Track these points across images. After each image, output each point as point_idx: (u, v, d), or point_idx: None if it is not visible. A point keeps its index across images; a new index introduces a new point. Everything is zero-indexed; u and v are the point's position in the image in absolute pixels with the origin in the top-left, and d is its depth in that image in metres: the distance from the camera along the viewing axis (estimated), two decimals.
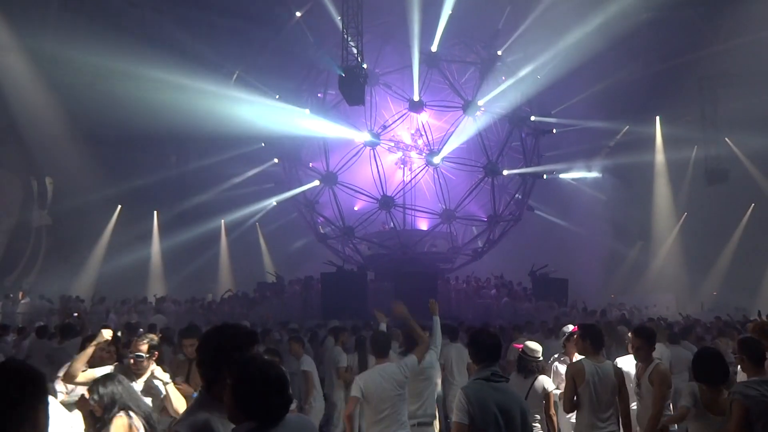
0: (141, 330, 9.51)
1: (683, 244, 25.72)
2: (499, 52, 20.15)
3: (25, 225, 21.16)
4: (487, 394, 3.45)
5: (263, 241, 26.72)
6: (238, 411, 2.27)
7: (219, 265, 25.85)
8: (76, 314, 13.13)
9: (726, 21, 19.47)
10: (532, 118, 19.96)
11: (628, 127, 25.47)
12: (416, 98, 18.34)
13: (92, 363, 4.92)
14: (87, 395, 3.82)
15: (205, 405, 2.41)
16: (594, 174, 25.18)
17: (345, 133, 18.57)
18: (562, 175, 24.17)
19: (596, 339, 4.90)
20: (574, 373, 4.77)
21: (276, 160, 20.74)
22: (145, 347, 4.69)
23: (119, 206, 23.19)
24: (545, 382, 5.48)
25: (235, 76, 21.35)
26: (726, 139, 23.78)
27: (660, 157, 25.52)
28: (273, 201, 22.26)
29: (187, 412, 2.51)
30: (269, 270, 22.96)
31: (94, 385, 3.79)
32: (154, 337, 4.94)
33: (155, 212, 24.38)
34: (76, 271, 21.22)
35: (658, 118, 25.10)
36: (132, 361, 4.68)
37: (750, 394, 3.71)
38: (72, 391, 4.72)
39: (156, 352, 4.82)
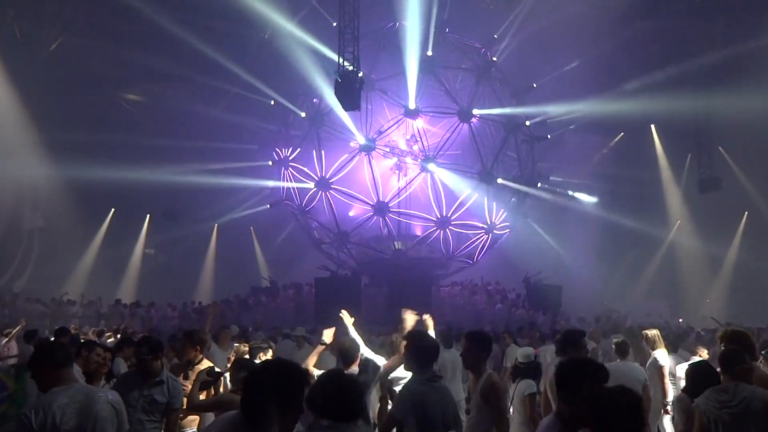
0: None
1: (677, 252, 25.84)
2: (495, 58, 20.25)
3: (16, 227, 21.03)
4: (427, 393, 3.79)
5: (258, 245, 26.66)
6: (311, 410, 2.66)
7: (204, 268, 25.77)
8: (73, 326, 12.91)
9: (720, 30, 19.64)
10: (527, 122, 20.03)
11: (622, 134, 25.61)
12: (412, 106, 18.37)
13: (87, 370, 4.90)
14: None
15: None
16: (588, 181, 25.22)
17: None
18: (554, 179, 24.15)
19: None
20: None
21: (270, 163, 20.68)
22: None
23: (113, 209, 23.10)
24: (525, 386, 5.45)
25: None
26: (719, 148, 23.96)
27: (654, 164, 25.64)
28: (267, 204, 22.22)
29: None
30: (264, 275, 22.92)
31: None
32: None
33: (148, 216, 24.31)
34: (68, 274, 21.10)
35: (653, 126, 25.24)
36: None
37: (703, 402, 3.87)
38: None
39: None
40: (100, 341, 8.44)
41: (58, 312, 16.36)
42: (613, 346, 6.70)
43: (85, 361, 5.00)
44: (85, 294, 17.81)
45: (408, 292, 16.48)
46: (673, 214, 26.15)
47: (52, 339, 8.53)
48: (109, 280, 21.42)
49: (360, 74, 15.30)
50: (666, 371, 6.86)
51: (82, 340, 6.57)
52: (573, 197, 23.79)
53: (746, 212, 24.92)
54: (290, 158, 20.00)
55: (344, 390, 2.66)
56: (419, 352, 3.98)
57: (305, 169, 19.65)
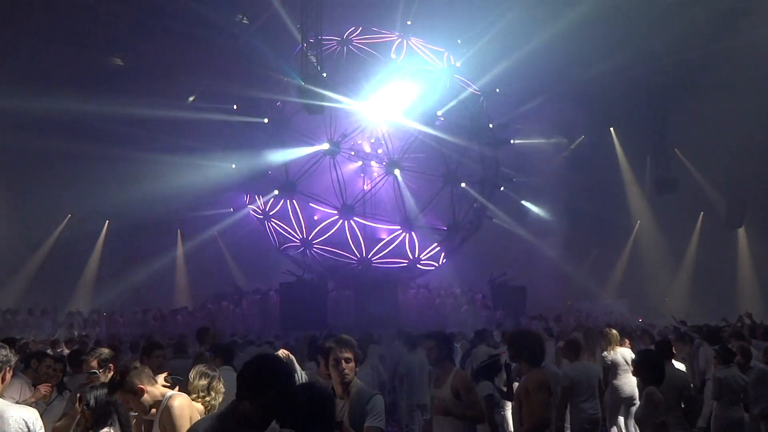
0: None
1: (639, 251, 26.46)
2: (458, 64, 20.36)
3: None
4: None
5: (226, 250, 26.14)
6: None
7: (175, 275, 25.13)
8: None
9: (675, 35, 20.12)
10: (490, 125, 20.20)
11: (583, 137, 26.07)
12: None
13: (37, 381, 4.73)
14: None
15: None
16: (549, 183, 25.59)
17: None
18: (518, 181, 24.45)
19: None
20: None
21: (233, 166, 20.33)
22: (95, 362, 4.56)
23: (68, 215, 22.41)
24: (483, 388, 5.46)
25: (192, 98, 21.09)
26: (675, 150, 24.63)
27: (614, 166, 26.19)
28: (230, 208, 21.86)
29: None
30: (237, 281, 22.55)
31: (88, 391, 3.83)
32: (104, 351, 4.79)
33: (107, 221, 23.62)
34: (20, 282, 20.40)
35: (612, 129, 25.79)
36: (87, 379, 4.53)
37: None
38: None
39: (111, 365, 4.70)
40: (54, 352, 8.16)
41: (11, 321, 15.79)
42: (561, 347, 6.83)
43: (34, 373, 4.82)
44: (38, 302, 17.23)
45: (374, 295, 16.42)
46: (634, 215, 26.78)
47: None
48: (65, 288, 20.76)
49: (324, 75, 15.20)
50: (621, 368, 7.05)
51: (28, 351, 6.29)
52: (527, 208, 24.31)
53: (702, 213, 25.70)
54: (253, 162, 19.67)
55: (312, 402, 2.64)
56: None
57: (269, 173, 19.36)
